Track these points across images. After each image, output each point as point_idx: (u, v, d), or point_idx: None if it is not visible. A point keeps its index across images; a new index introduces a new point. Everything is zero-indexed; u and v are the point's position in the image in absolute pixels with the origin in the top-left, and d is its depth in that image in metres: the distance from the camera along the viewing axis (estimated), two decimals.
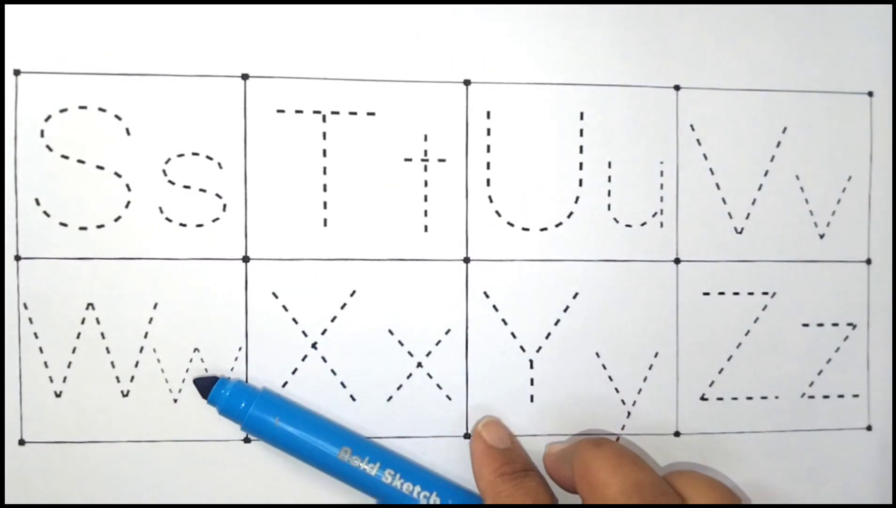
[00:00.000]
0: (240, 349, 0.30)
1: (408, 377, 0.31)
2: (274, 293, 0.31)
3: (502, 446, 0.30)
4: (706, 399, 0.32)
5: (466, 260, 0.31)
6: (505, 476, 0.29)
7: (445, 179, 0.31)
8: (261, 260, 0.30)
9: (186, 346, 0.30)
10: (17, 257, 0.30)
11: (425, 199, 0.31)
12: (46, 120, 0.30)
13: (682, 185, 0.32)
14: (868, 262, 0.33)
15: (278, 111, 0.30)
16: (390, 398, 0.31)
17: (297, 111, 0.30)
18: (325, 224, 0.31)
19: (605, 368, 0.32)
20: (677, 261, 0.32)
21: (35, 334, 0.30)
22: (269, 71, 0.30)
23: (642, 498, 0.25)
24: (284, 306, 0.31)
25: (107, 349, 0.30)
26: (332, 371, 0.31)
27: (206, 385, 0.29)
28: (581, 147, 0.32)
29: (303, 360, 0.31)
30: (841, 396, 0.33)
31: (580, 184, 0.32)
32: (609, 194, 0.32)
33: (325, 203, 0.31)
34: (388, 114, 0.31)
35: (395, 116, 0.31)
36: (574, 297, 0.32)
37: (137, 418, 0.30)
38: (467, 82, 0.31)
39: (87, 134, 0.30)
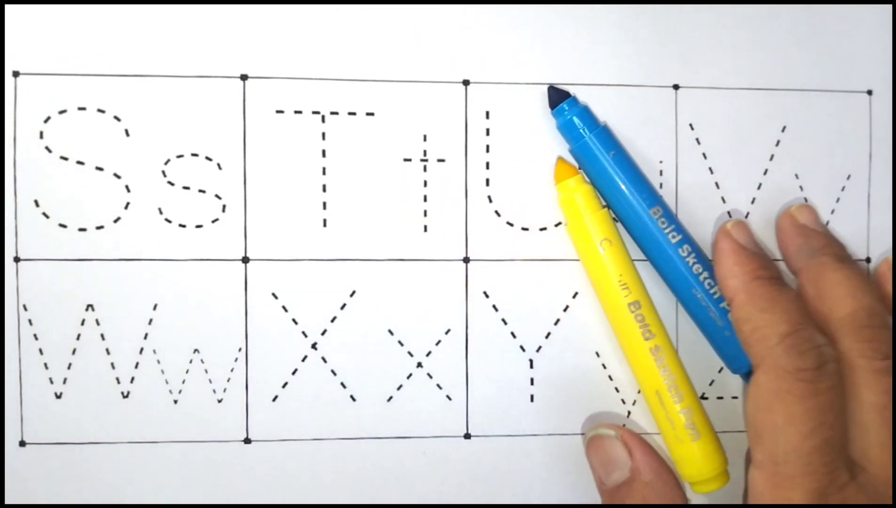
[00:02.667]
0: (240, 349, 0.30)
1: (408, 377, 0.31)
2: (273, 294, 0.31)
3: (754, 249, 0.29)
4: (706, 398, 0.32)
5: (466, 260, 0.31)
6: (762, 278, 0.28)
7: (445, 180, 0.31)
8: (260, 261, 0.30)
9: (186, 347, 0.30)
10: (17, 259, 0.30)
11: (425, 199, 0.31)
12: (46, 121, 0.30)
13: (682, 184, 0.32)
14: (868, 261, 0.33)
15: (277, 112, 0.30)
16: (390, 398, 0.31)
17: (297, 112, 0.30)
18: (325, 224, 0.31)
19: (605, 368, 0.32)
20: None
21: (35, 335, 0.30)
22: (268, 71, 0.30)
23: (870, 325, 0.26)
24: (284, 307, 0.31)
25: (107, 350, 0.30)
26: (332, 372, 0.31)
27: (557, 98, 0.30)
28: None
29: (303, 360, 0.31)
30: None
31: None
32: None
33: (324, 203, 0.31)
34: (387, 114, 0.31)
35: (394, 117, 0.31)
36: (574, 297, 0.32)
37: (137, 419, 0.30)
38: (466, 82, 0.31)
39: (86, 135, 0.30)
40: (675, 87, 0.32)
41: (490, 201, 0.31)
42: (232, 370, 0.30)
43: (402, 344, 0.31)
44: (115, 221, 0.30)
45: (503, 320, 0.31)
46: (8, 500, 0.30)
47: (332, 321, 0.31)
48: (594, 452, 0.30)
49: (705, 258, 0.30)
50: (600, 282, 0.30)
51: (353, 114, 0.31)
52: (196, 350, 0.30)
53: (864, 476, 0.26)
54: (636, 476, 0.28)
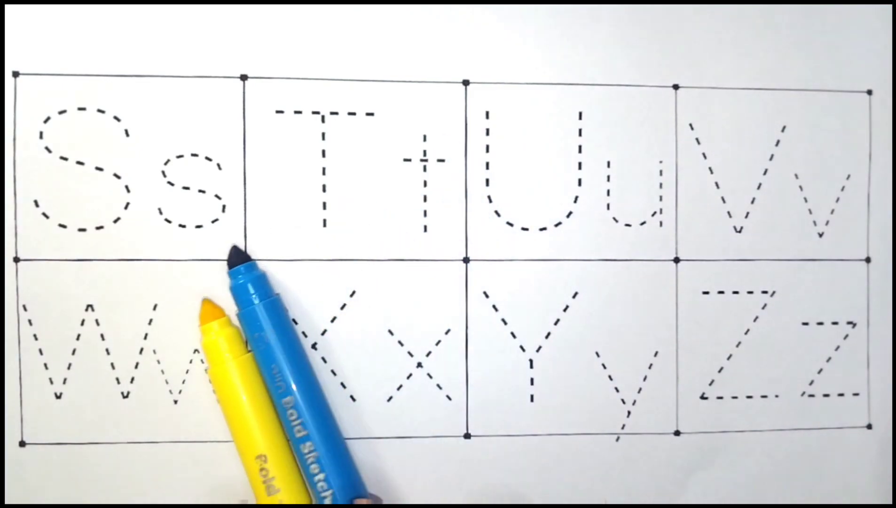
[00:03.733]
0: None
1: (408, 377, 0.31)
2: None
3: None
4: (706, 398, 0.32)
5: (466, 260, 0.31)
6: None
7: (444, 180, 0.31)
8: (260, 261, 0.30)
9: (186, 347, 0.30)
10: (17, 259, 0.30)
11: (424, 199, 0.31)
12: (45, 122, 0.30)
13: (682, 184, 0.32)
14: (867, 260, 0.33)
15: (277, 112, 0.30)
16: (390, 398, 0.31)
17: (296, 112, 0.30)
18: (325, 225, 0.31)
19: (605, 368, 0.32)
20: (677, 260, 0.32)
21: (35, 335, 0.30)
22: (267, 72, 0.30)
23: None
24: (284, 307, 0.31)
25: (107, 350, 0.30)
26: (332, 372, 0.31)
27: (236, 259, 0.29)
28: (580, 147, 0.32)
29: None
30: (841, 394, 0.33)
31: (579, 184, 0.32)
32: (608, 194, 0.32)
33: (324, 204, 0.31)
34: (386, 114, 0.31)
35: (393, 117, 0.31)
36: (574, 297, 0.32)
37: (137, 419, 0.30)
38: (466, 82, 0.31)
39: (86, 135, 0.30)
40: (675, 87, 0.32)
41: (490, 201, 0.31)
42: None
43: (402, 344, 0.31)
44: (115, 221, 0.30)
45: (503, 320, 0.31)
46: (8, 500, 0.30)
47: (332, 321, 0.31)
48: None
49: (332, 456, 0.29)
50: (238, 429, 0.29)
51: (353, 114, 0.31)
52: (196, 350, 0.30)
53: None
54: None
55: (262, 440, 0.29)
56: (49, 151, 0.30)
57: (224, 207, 0.30)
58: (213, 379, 0.29)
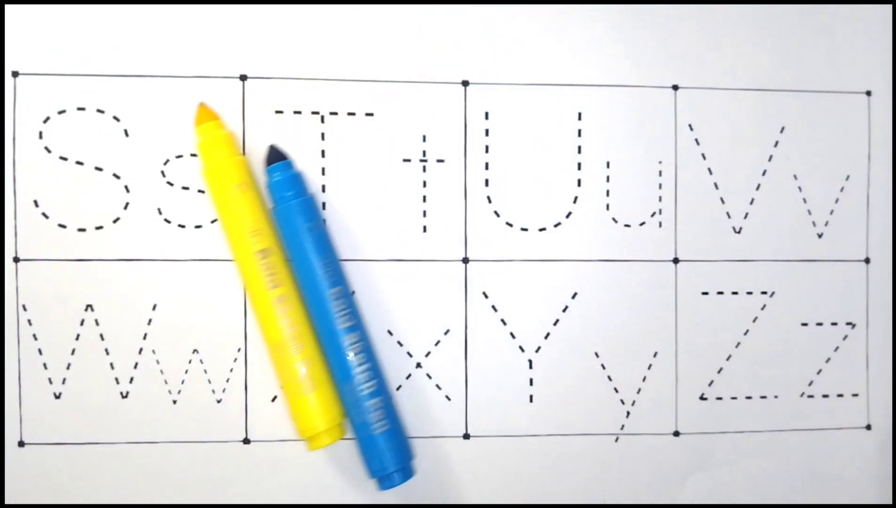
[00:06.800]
0: (239, 349, 0.30)
1: (407, 378, 0.31)
2: None
3: None
4: (705, 399, 0.32)
5: (465, 260, 0.31)
6: None
7: (444, 180, 0.31)
8: None
9: (186, 347, 0.30)
10: (17, 259, 0.30)
11: (424, 199, 0.31)
12: (45, 122, 0.30)
13: (681, 185, 0.32)
14: (867, 261, 0.33)
15: (276, 112, 0.30)
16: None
17: (296, 112, 0.30)
18: (325, 225, 0.31)
19: (604, 368, 0.32)
20: (676, 261, 0.32)
21: (34, 335, 0.30)
22: (267, 72, 0.30)
23: None
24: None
25: (106, 350, 0.30)
26: None
27: (274, 157, 0.29)
28: (579, 147, 0.32)
29: None
30: (840, 395, 0.33)
31: (579, 184, 0.32)
32: (608, 194, 0.32)
33: (323, 204, 0.31)
34: (386, 114, 0.31)
35: (393, 117, 0.31)
36: (573, 297, 0.32)
37: (137, 419, 0.30)
38: (465, 83, 0.31)
39: (85, 135, 0.30)
40: (675, 87, 0.32)
41: (489, 201, 0.31)
42: (231, 371, 0.30)
43: (401, 344, 0.31)
44: (115, 221, 0.30)
45: (502, 320, 0.31)
46: (8, 500, 0.30)
47: None
48: None
49: (372, 352, 0.29)
50: (230, 227, 0.29)
51: (353, 114, 0.31)
52: (195, 350, 0.30)
53: None
54: None
55: (264, 236, 0.29)
56: (49, 151, 0.30)
57: None
58: (207, 179, 0.29)
